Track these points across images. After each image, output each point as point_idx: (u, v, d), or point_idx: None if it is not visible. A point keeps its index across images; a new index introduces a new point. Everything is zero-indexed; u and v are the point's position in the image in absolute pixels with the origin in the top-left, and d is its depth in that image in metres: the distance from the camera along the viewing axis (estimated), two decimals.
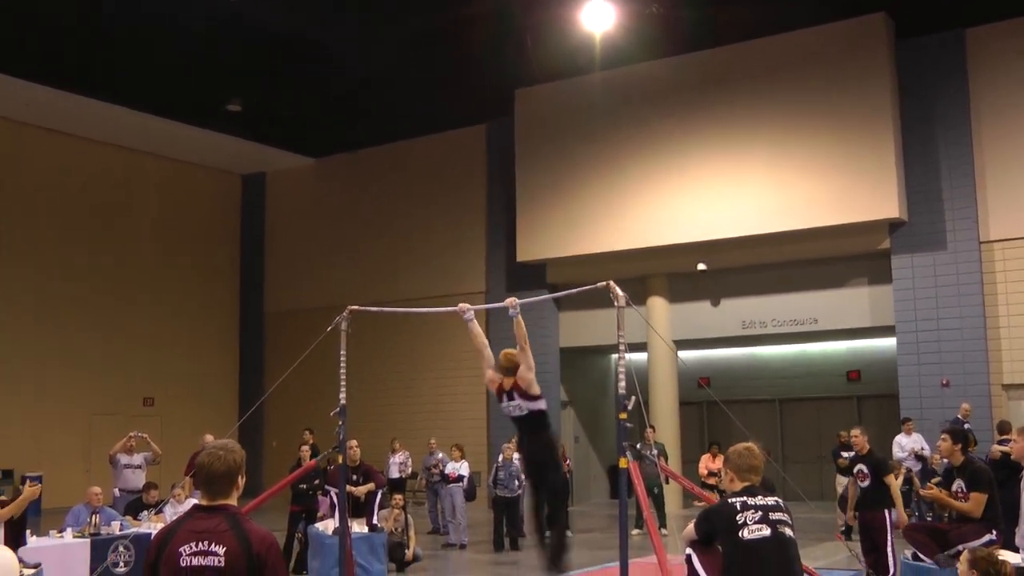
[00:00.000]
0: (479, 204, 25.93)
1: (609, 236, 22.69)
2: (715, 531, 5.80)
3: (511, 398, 9.00)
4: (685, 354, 24.58)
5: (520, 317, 9.08)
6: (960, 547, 8.68)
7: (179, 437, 23.88)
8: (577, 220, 23.10)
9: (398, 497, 15.37)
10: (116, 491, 15.58)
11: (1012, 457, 10.44)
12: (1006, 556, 5.76)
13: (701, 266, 22.23)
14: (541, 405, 9.04)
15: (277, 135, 27.46)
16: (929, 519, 10.67)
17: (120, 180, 27.27)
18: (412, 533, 14.78)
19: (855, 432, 11.48)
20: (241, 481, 4.26)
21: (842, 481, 16.14)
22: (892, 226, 20.32)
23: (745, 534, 5.53)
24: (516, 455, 17.57)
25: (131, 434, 16.12)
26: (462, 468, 17.92)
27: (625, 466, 8.05)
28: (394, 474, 20.03)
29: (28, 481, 10.95)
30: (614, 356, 22.88)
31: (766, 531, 5.54)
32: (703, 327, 23.03)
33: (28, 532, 10.83)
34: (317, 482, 14.99)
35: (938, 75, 20.40)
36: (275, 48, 22.07)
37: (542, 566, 9.35)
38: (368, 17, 20.64)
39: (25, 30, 20.90)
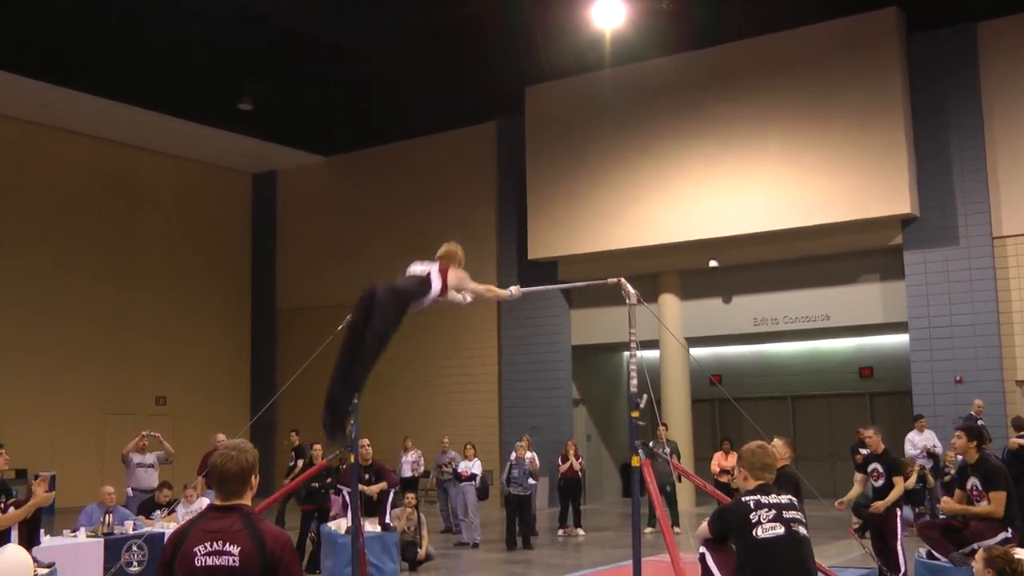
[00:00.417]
0: (490, 202, 25.93)
1: (620, 233, 22.65)
2: (729, 530, 5.78)
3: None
4: (697, 351, 24.54)
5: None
6: (975, 545, 8.65)
7: (192, 436, 23.93)
8: (588, 217, 23.08)
9: (410, 496, 15.37)
10: (129, 490, 15.59)
11: None
12: (1022, 554, 5.72)
13: (713, 263, 22.19)
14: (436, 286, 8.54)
15: (288, 133, 27.48)
16: (943, 516, 10.61)
17: (132, 179, 27.32)
18: (424, 532, 14.78)
19: (869, 432, 11.47)
20: (254, 480, 4.27)
21: (860, 477, 16.08)
22: (904, 222, 20.26)
23: (759, 533, 5.51)
24: (528, 454, 17.59)
25: (143, 433, 16.13)
26: (474, 467, 17.92)
27: (637, 464, 8.03)
28: (406, 473, 20.03)
29: (39, 477, 10.90)
30: (626, 353, 22.83)
31: (780, 530, 5.52)
32: (715, 324, 23.00)
33: (42, 531, 10.84)
34: (329, 481, 15.00)
35: (949, 69, 20.33)
36: (285, 46, 22.08)
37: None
38: (378, 15, 20.64)
39: (38, 31, 20.96)
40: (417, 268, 8.31)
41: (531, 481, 17.27)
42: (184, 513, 13.12)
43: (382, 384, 25.53)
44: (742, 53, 21.78)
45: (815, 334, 23.25)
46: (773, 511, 5.57)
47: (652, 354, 22.93)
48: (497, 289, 8.80)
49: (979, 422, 16.87)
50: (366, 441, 13.34)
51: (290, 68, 23.23)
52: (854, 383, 24.46)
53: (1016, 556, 5.65)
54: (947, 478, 16.17)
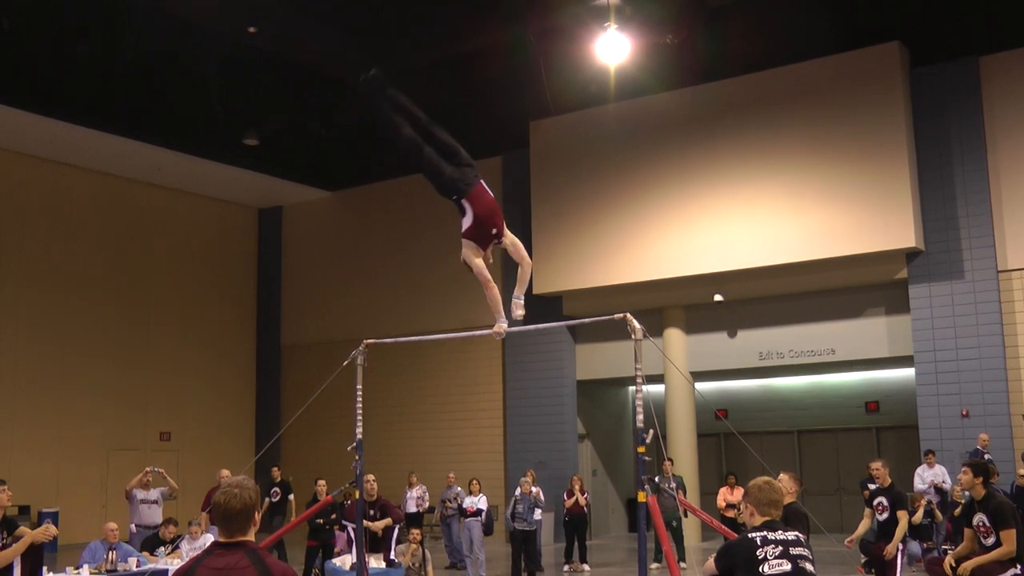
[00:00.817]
0: None
1: (625, 268, 22.65)
2: (735, 566, 5.74)
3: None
4: (702, 386, 24.47)
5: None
6: None
7: (196, 472, 23.92)
8: (593, 252, 23.08)
9: (415, 532, 15.31)
10: (133, 527, 15.55)
11: None
12: None
13: (718, 297, 22.16)
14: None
15: (293, 169, 27.58)
16: (950, 552, 10.52)
17: (138, 214, 27.40)
18: (429, 568, 14.72)
19: (876, 465, 11.41)
20: (258, 517, 4.28)
21: (868, 512, 16.01)
22: (909, 255, 20.25)
23: (765, 569, 5.47)
24: (533, 488, 17.52)
25: (147, 469, 16.11)
26: (480, 502, 17.85)
27: (644, 499, 8.00)
28: (411, 508, 19.96)
29: (47, 521, 10.83)
30: (631, 388, 22.79)
31: (787, 566, 5.48)
32: (720, 358, 22.94)
33: (45, 569, 10.80)
34: (334, 517, 14.96)
35: (952, 103, 20.37)
36: (291, 82, 22.25)
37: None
38: (383, 51, 20.77)
39: (46, 68, 21.12)
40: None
41: (536, 516, 17.17)
42: (188, 549, 13.08)
43: (387, 419, 25.54)
44: (746, 87, 21.85)
45: (821, 368, 23.18)
46: (780, 547, 5.54)
47: (657, 388, 22.86)
48: (497, 297, 8.60)
49: (986, 456, 16.83)
50: (371, 477, 13.32)
51: (296, 104, 23.37)
52: (860, 417, 24.36)
53: None
54: (956, 512, 16.09)
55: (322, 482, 15.81)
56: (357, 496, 10.84)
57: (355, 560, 11.27)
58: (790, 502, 8.65)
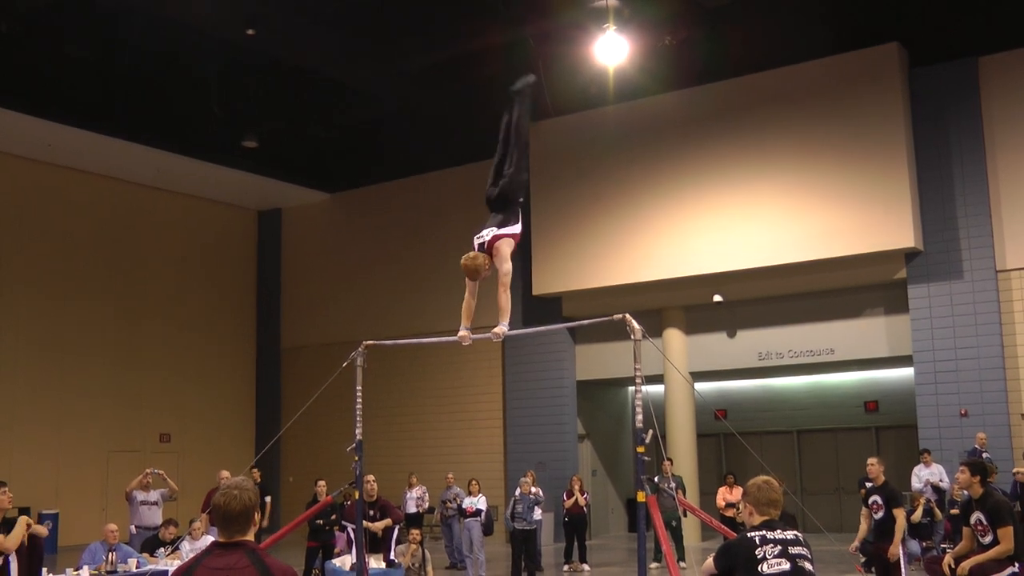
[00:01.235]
0: None
1: (624, 269, 22.67)
2: (734, 565, 5.75)
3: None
4: (702, 386, 24.49)
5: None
6: None
7: (196, 473, 23.92)
8: (592, 253, 23.10)
9: (415, 532, 15.32)
10: (133, 528, 15.56)
11: None
12: None
13: (717, 298, 22.18)
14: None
15: (292, 171, 27.58)
16: (948, 551, 10.51)
17: (137, 217, 27.41)
18: (429, 568, 14.73)
19: (871, 461, 11.37)
20: (257, 517, 4.30)
21: (866, 512, 16.04)
22: (908, 255, 20.27)
23: (765, 568, 5.48)
24: (533, 488, 17.53)
25: (147, 470, 16.12)
26: (479, 502, 17.87)
27: (643, 499, 8.02)
28: (411, 509, 19.98)
29: (46, 523, 10.84)
30: (631, 389, 22.80)
31: (786, 565, 5.49)
32: (719, 359, 22.97)
33: (44, 570, 10.82)
34: (334, 517, 14.98)
35: (951, 104, 20.40)
36: (290, 85, 22.25)
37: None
38: (382, 54, 20.79)
39: (45, 71, 21.13)
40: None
41: (536, 516, 17.20)
42: (189, 550, 13.09)
43: (387, 420, 25.55)
44: (745, 88, 21.87)
45: (820, 368, 23.21)
46: (779, 547, 5.55)
47: (657, 389, 22.88)
48: (505, 301, 8.65)
49: (984, 455, 16.85)
50: (371, 477, 13.34)
51: (294, 106, 23.36)
52: (860, 417, 24.39)
53: None
54: (954, 512, 16.11)
55: (322, 483, 15.82)
56: (357, 497, 10.86)
57: (355, 560, 11.28)
58: None
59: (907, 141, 20.15)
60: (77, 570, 12.06)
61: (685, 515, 18.23)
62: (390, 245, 27.86)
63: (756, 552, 5.53)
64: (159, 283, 27.77)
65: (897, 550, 10.69)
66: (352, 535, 12.56)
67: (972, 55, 20.35)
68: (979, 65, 20.37)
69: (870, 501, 11.21)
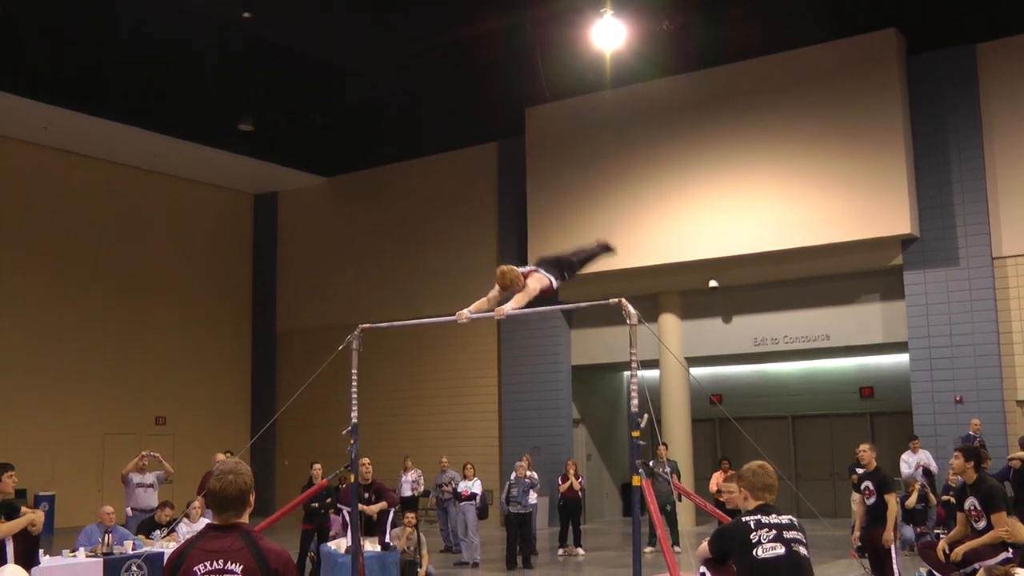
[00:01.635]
0: (490, 222, 25.96)
1: (620, 253, 22.42)
2: (729, 549, 5.77)
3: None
4: (697, 371, 24.54)
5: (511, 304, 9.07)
6: (976, 565, 8.62)
7: (192, 456, 23.97)
8: (588, 237, 23.03)
9: (410, 515, 15.34)
10: (128, 510, 15.60)
11: None
12: (1022, 574, 5.71)
13: (713, 283, 22.20)
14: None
15: (289, 155, 27.54)
16: (942, 536, 10.55)
17: (133, 200, 27.38)
18: (424, 551, 14.75)
19: (863, 448, 11.38)
20: (252, 499, 4.29)
21: (856, 498, 16.09)
22: (904, 242, 20.29)
23: (759, 552, 5.50)
24: (528, 473, 17.57)
25: (143, 453, 16.15)
26: (474, 486, 17.91)
27: (638, 484, 8.03)
28: (406, 492, 20.01)
29: (43, 505, 10.85)
30: (626, 373, 22.83)
31: (780, 550, 5.51)
32: (715, 344, 23.00)
33: (41, 551, 10.82)
34: (329, 500, 14.99)
35: (949, 91, 20.39)
36: (287, 68, 22.18)
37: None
38: (379, 37, 20.74)
39: (42, 54, 21.06)
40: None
41: (531, 500, 17.24)
42: (186, 532, 13.10)
43: (382, 403, 25.56)
44: (742, 74, 21.85)
45: (815, 354, 23.23)
46: (773, 531, 5.56)
47: (652, 374, 22.93)
48: (518, 300, 9.00)
49: (977, 441, 16.91)
50: (366, 460, 13.33)
51: (291, 90, 23.31)
52: (855, 403, 24.43)
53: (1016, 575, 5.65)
54: (946, 498, 16.16)
55: (317, 466, 15.82)
56: (352, 480, 10.87)
57: (350, 543, 11.30)
58: None
59: (904, 128, 20.15)
60: (73, 552, 12.08)
61: (680, 499, 18.29)
62: (386, 229, 27.84)
63: (751, 536, 5.55)
64: (155, 266, 27.75)
65: (891, 536, 10.70)
66: (347, 518, 12.58)
67: (970, 42, 20.33)
68: (977, 52, 20.35)
69: (863, 487, 11.23)
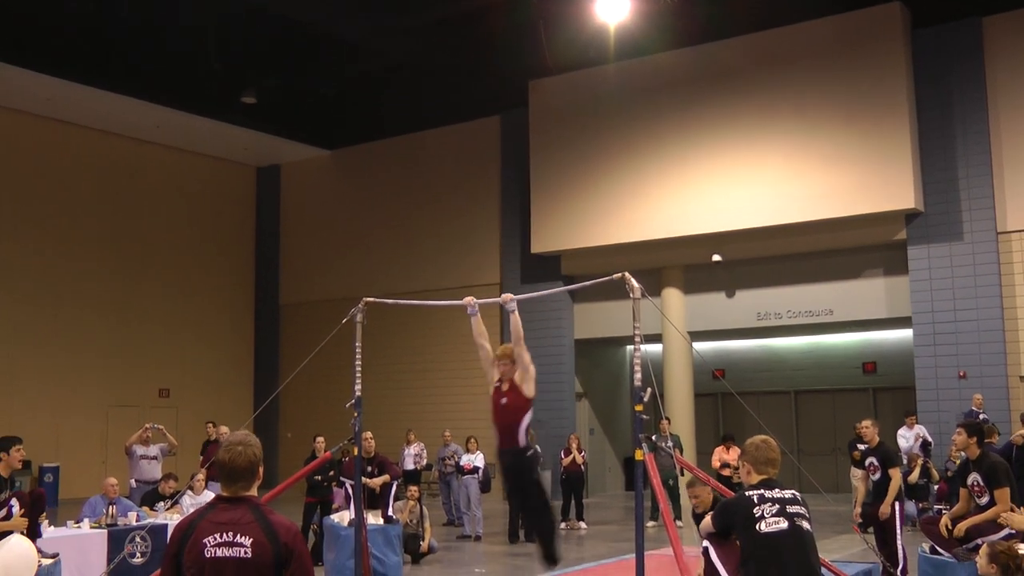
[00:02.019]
0: (493, 195, 25.92)
1: (624, 227, 22.63)
2: (732, 524, 5.78)
3: (501, 395, 9.22)
4: (700, 345, 24.52)
5: (516, 314, 9.22)
6: (979, 540, 8.61)
7: (195, 428, 23.95)
8: (592, 211, 23.06)
9: (413, 489, 15.38)
10: (132, 482, 15.64)
11: None
12: None
13: (716, 257, 22.17)
14: (526, 420, 9.39)
15: (292, 127, 27.49)
16: (944, 512, 10.55)
17: (135, 172, 27.34)
18: (427, 525, 14.80)
19: (865, 424, 11.37)
20: (261, 471, 4.29)
21: (856, 474, 16.11)
22: (908, 216, 20.24)
23: (762, 527, 5.51)
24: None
25: (147, 425, 16.17)
26: (477, 460, 17.93)
27: (641, 458, 8.02)
28: (409, 466, 20.06)
29: (47, 476, 10.80)
30: (629, 347, 22.81)
31: (783, 524, 5.52)
32: (718, 318, 22.99)
33: (46, 523, 10.85)
34: (332, 473, 15.02)
35: (954, 64, 20.29)
36: (289, 40, 22.10)
37: (539, 557, 9.19)
38: (382, 9, 20.65)
39: (45, 26, 20.99)
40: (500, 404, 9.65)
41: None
42: (190, 504, 13.14)
43: (385, 377, 25.59)
44: (746, 48, 21.76)
45: (819, 329, 23.23)
46: (777, 505, 5.57)
47: (655, 348, 22.93)
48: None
49: (982, 416, 16.91)
50: (369, 434, 13.35)
51: (294, 62, 23.22)
52: (858, 378, 24.45)
53: (1020, 551, 5.66)
54: (949, 474, 16.19)
55: (320, 439, 15.83)
56: (355, 453, 10.87)
57: (353, 516, 11.32)
58: None
59: (909, 101, 20.07)
60: (77, 523, 12.13)
61: (682, 473, 18.30)
62: (390, 202, 27.80)
63: (754, 511, 5.56)
64: (158, 238, 27.74)
65: (888, 509, 10.70)
66: (350, 491, 12.58)
67: (976, 15, 20.22)
68: (983, 25, 20.24)
69: (867, 463, 11.22)
